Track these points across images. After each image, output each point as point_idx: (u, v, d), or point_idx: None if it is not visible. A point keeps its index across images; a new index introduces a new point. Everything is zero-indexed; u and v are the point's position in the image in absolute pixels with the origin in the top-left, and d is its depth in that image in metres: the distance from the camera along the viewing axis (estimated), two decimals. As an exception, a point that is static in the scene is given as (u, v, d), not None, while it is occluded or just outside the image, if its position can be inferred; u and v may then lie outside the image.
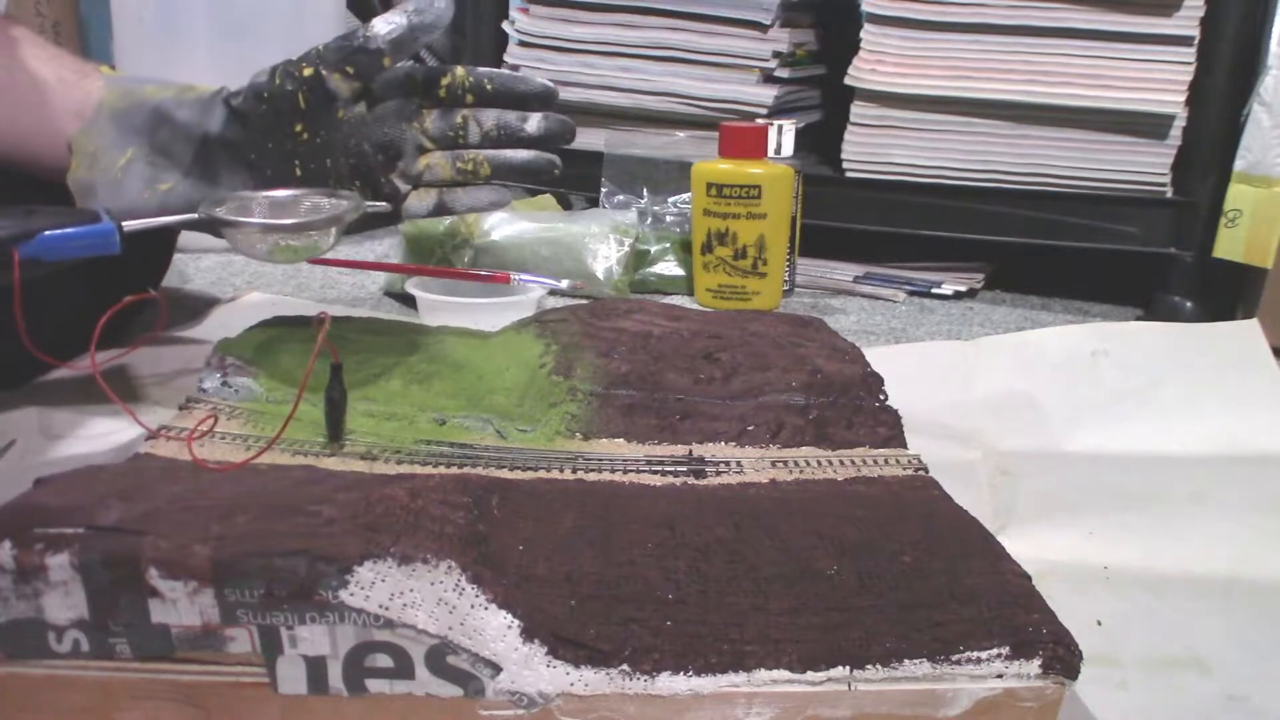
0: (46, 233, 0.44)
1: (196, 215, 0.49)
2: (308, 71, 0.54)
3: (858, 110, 1.00)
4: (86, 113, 0.55)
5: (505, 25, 1.14)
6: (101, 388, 0.42)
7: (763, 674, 0.32)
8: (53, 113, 0.55)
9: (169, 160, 0.55)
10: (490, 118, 0.57)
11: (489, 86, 0.57)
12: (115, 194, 0.54)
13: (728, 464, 0.45)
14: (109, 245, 0.46)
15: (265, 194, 0.52)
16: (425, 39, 0.55)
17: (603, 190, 1.04)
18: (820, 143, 1.10)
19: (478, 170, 0.57)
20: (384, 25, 0.54)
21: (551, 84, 0.58)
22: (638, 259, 0.95)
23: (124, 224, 0.46)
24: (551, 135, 0.58)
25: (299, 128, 0.55)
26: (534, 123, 0.58)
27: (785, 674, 0.32)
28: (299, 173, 0.55)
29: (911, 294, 0.99)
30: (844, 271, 1.03)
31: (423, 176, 0.57)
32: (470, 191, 0.58)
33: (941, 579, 0.35)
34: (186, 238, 0.72)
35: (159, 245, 0.70)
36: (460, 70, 0.57)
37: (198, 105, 0.55)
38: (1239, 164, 0.87)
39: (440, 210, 0.58)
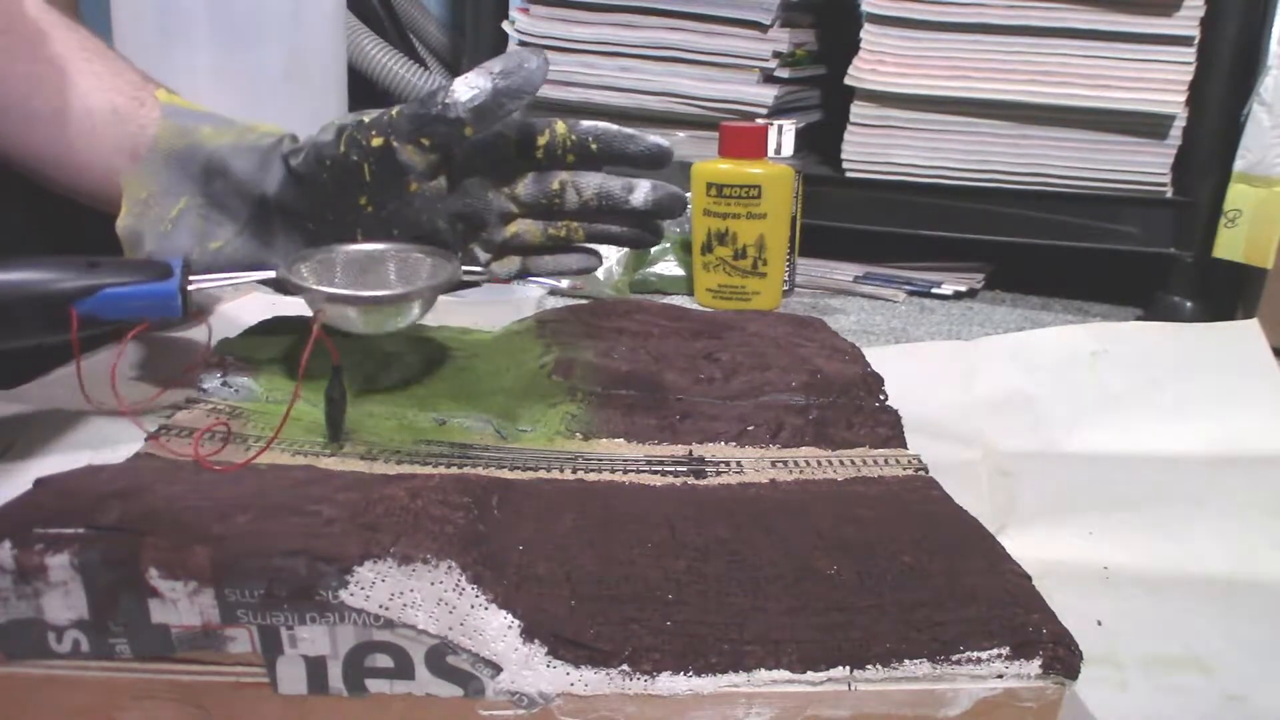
0: (107, 290, 0.42)
1: (273, 273, 0.45)
2: (377, 141, 0.47)
3: (858, 110, 1.00)
4: (140, 150, 0.50)
5: (505, 25, 1.14)
6: (108, 389, 0.42)
7: (763, 674, 0.32)
8: (104, 147, 0.50)
9: (224, 215, 0.50)
10: (592, 186, 0.51)
11: (593, 147, 0.51)
12: (164, 247, 0.49)
13: (728, 464, 0.45)
14: (170, 309, 0.43)
15: (354, 248, 0.48)
16: (514, 106, 0.47)
17: (603, 190, 1.04)
18: (820, 143, 1.10)
19: (571, 237, 0.52)
20: (466, 90, 0.46)
21: (666, 143, 0.51)
22: (638, 259, 0.95)
23: (191, 280, 0.44)
24: (660, 209, 0.52)
25: (363, 200, 0.48)
26: (641, 194, 0.51)
27: (785, 674, 0.32)
28: None
29: (911, 294, 0.99)
30: (844, 271, 1.03)
31: (509, 243, 0.51)
32: (558, 257, 0.53)
33: (941, 579, 0.35)
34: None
35: None
36: (561, 126, 0.50)
37: (255, 157, 0.50)
38: (1239, 164, 0.87)
39: (521, 274, 0.52)
